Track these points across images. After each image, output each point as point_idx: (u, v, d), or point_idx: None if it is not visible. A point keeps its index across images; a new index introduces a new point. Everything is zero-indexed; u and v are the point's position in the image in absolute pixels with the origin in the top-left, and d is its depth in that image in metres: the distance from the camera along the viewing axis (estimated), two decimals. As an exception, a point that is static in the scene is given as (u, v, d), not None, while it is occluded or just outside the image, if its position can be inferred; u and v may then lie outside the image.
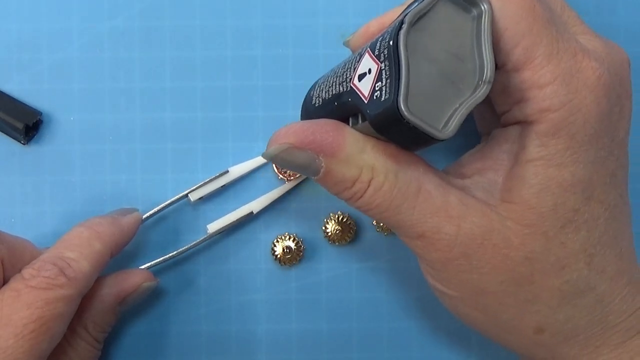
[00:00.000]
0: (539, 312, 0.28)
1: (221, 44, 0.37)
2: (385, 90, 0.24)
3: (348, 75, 0.27)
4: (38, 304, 0.28)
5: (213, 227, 0.35)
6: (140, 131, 0.36)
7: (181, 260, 0.36)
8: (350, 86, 0.26)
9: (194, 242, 0.35)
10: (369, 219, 0.37)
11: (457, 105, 0.25)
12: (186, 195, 0.35)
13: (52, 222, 0.36)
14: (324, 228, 0.36)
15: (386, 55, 0.24)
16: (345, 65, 0.28)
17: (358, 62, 0.26)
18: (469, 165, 0.29)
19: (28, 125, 0.35)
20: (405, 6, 0.27)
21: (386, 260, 0.37)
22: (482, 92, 0.25)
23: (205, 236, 0.35)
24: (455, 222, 0.26)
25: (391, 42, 0.24)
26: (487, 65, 0.25)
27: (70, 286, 0.29)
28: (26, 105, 0.36)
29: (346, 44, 0.32)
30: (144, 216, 0.35)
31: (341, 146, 0.26)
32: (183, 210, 0.36)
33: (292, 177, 0.36)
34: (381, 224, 0.36)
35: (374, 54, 0.25)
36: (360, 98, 0.26)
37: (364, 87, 0.25)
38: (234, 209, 0.36)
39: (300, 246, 0.36)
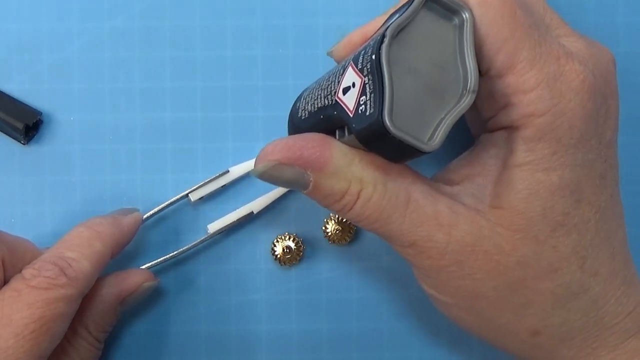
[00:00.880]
0: (534, 315, 0.28)
1: (221, 44, 0.37)
2: (370, 105, 0.24)
3: (332, 88, 0.27)
4: (39, 304, 0.28)
5: (213, 227, 0.35)
6: (140, 131, 0.36)
7: (181, 260, 0.36)
8: (335, 99, 0.26)
9: (194, 242, 0.35)
10: (369, 219, 0.37)
11: (443, 116, 0.25)
12: (186, 196, 0.35)
13: (52, 222, 0.36)
14: (324, 228, 0.36)
15: (369, 69, 0.24)
16: (330, 77, 0.28)
17: (342, 75, 0.26)
18: (458, 171, 0.29)
19: (28, 125, 0.35)
20: (388, 15, 0.27)
21: (386, 260, 0.37)
22: (466, 101, 0.25)
23: (206, 236, 0.35)
24: (445, 231, 0.27)
25: (373, 57, 0.24)
26: (471, 75, 0.25)
27: (71, 286, 0.29)
28: (26, 105, 0.36)
29: (330, 54, 0.32)
30: (144, 216, 0.35)
31: (328, 160, 0.26)
32: (183, 210, 0.36)
33: None
34: (381, 224, 0.36)
35: (357, 68, 0.25)
36: (346, 112, 0.26)
37: (349, 101, 0.25)
38: (234, 209, 0.36)
39: (300, 246, 0.36)
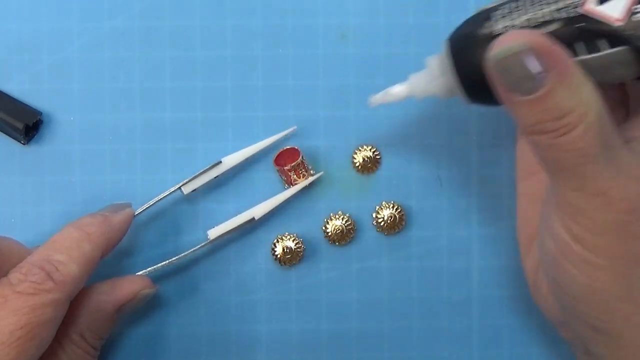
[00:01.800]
0: None
1: (221, 44, 0.37)
2: None
3: (569, 1, 0.26)
4: (25, 310, 0.27)
5: (213, 233, 0.35)
6: (140, 131, 0.36)
7: (181, 261, 0.36)
8: (582, 11, 0.25)
9: (194, 248, 0.35)
10: (369, 219, 0.37)
11: None
12: (179, 189, 0.35)
13: (52, 222, 0.36)
14: (324, 228, 0.36)
15: None
16: None
17: None
18: (635, 128, 0.27)
19: (28, 125, 0.35)
20: None
21: (386, 260, 0.37)
22: None
23: (206, 242, 0.35)
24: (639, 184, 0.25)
25: None
26: None
27: (58, 290, 0.29)
28: (26, 105, 0.36)
29: None
30: (137, 212, 0.34)
31: (575, 68, 0.24)
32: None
33: (296, 182, 0.36)
34: (381, 224, 0.36)
35: None
36: (605, 23, 0.25)
37: (613, 11, 0.24)
38: (235, 209, 0.36)
39: (300, 246, 0.36)
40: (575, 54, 0.25)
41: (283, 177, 0.36)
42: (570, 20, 0.25)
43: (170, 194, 0.35)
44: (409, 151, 0.37)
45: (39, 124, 0.36)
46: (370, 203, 0.37)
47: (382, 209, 0.36)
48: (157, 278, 0.35)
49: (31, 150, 0.36)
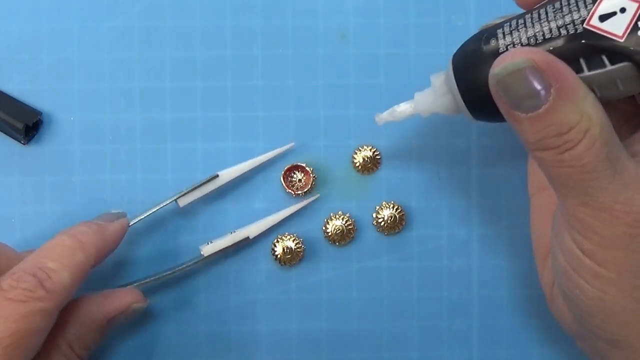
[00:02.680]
0: None
1: (221, 44, 0.37)
2: None
3: (572, 18, 0.26)
4: (14, 317, 0.27)
5: (207, 249, 0.35)
6: (140, 131, 0.36)
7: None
8: (584, 28, 0.25)
9: (186, 264, 0.35)
10: (369, 218, 0.37)
11: None
12: (174, 201, 0.35)
13: (52, 222, 0.36)
14: (324, 228, 0.36)
15: None
16: (551, 10, 0.27)
17: (593, 4, 0.25)
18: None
19: (28, 125, 0.35)
20: None
21: (386, 260, 0.37)
22: None
23: (199, 259, 0.35)
24: None
25: None
26: None
27: (49, 299, 0.28)
28: (26, 105, 0.36)
29: None
30: (131, 223, 0.34)
31: (577, 84, 0.24)
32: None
33: (299, 192, 0.36)
34: (381, 224, 0.36)
35: None
36: (608, 39, 0.25)
37: (614, 27, 0.25)
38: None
39: (300, 246, 0.36)
40: (578, 70, 0.26)
41: (287, 188, 0.36)
42: (573, 37, 0.26)
43: (165, 206, 0.35)
44: (409, 151, 0.37)
45: (39, 124, 0.36)
46: (370, 203, 0.37)
47: (382, 209, 0.36)
48: (156, 282, 0.35)
49: (31, 150, 0.36)
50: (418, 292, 0.37)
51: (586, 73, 0.26)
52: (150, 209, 0.35)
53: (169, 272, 0.35)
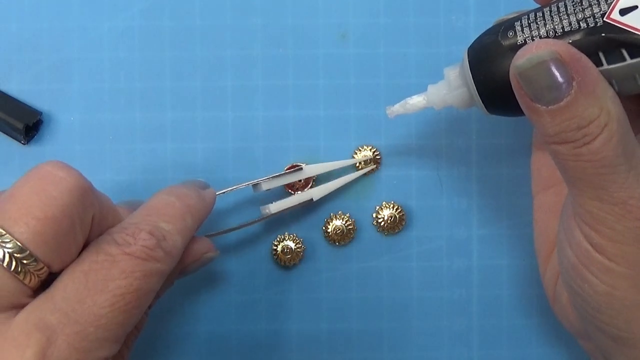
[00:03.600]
0: None
1: (221, 44, 0.37)
2: None
3: (592, 11, 0.26)
4: (137, 274, 0.25)
5: (274, 207, 0.34)
6: (140, 131, 0.36)
7: (181, 260, 0.36)
8: (604, 21, 0.25)
9: (252, 221, 0.34)
10: (369, 218, 0.37)
11: None
12: (257, 184, 0.35)
13: (52, 222, 0.36)
14: (324, 228, 0.36)
15: None
16: (575, 3, 0.26)
17: None
18: None
19: (28, 125, 0.35)
20: None
21: (386, 260, 0.37)
22: None
23: (266, 215, 0.35)
24: None
25: None
26: None
27: (165, 261, 0.27)
28: (26, 105, 0.36)
29: None
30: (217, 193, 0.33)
31: (599, 77, 0.25)
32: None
33: (299, 192, 0.36)
34: (381, 224, 0.36)
35: None
36: (629, 33, 0.25)
37: (635, 21, 0.25)
38: (233, 217, 0.36)
39: (300, 246, 0.36)
40: (597, 63, 0.26)
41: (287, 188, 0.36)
42: (593, 30, 0.26)
43: (244, 186, 0.35)
44: (409, 151, 0.37)
45: (39, 124, 0.36)
46: (370, 203, 0.37)
47: (382, 209, 0.36)
48: (222, 234, 0.35)
49: (31, 150, 0.36)
50: (418, 292, 0.37)
51: (605, 67, 0.26)
52: (232, 186, 0.34)
53: (235, 227, 0.34)
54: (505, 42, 0.27)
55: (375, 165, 0.36)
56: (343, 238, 0.36)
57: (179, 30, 0.37)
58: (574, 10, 0.26)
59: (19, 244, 0.24)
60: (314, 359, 0.36)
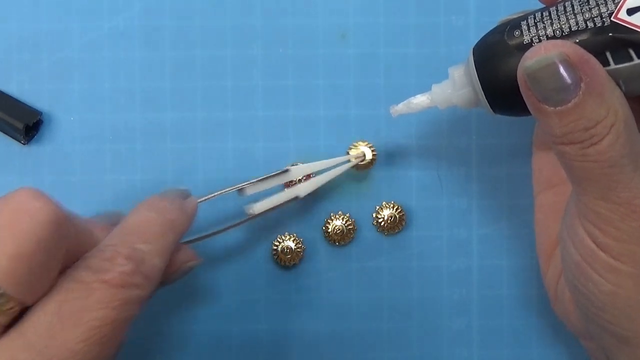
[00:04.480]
0: None
1: (221, 44, 0.37)
2: None
3: (599, 11, 0.26)
4: (114, 304, 0.24)
5: (258, 208, 0.34)
6: (140, 131, 0.36)
7: (181, 260, 0.36)
8: (611, 21, 0.25)
9: (238, 222, 0.34)
10: (369, 219, 0.37)
11: None
12: (241, 188, 0.34)
13: (52, 222, 0.36)
14: (324, 228, 0.36)
15: None
16: (582, 3, 0.26)
17: None
18: None
19: (28, 125, 0.35)
20: None
21: (386, 260, 0.37)
22: None
23: (249, 216, 0.34)
24: None
25: None
26: None
27: (145, 287, 0.26)
28: (26, 105, 0.36)
29: None
30: (198, 201, 0.32)
31: (606, 78, 0.25)
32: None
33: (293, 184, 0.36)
34: (381, 224, 0.36)
35: None
36: (636, 31, 0.25)
37: None
38: (233, 215, 0.36)
39: (300, 246, 0.36)
40: (604, 63, 0.26)
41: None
42: (600, 30, 0.26)
43: (228, 192, 0.34)
44: (409, 151, 0.37)
45: (39, 124, 0.36)
46: (370, 203, 0.37)
47: (382, 209, 0.36)
48: (205, 239, 0.34)
49: (31, 150, 0.36)
50: (418, 292, 0.37)
51: (612, 66, 0.26)
52: (213, 192, 0.33)
53: (218, 230, 0.33)
54: (512, 42, 0.27)
55: (366, 155, 0.36)
56: (343, 238, 0.36)
57: (179, 30, 0.37)
58: (581, 9, 0.26)
59: None
60: (314, 359, 0.36)
